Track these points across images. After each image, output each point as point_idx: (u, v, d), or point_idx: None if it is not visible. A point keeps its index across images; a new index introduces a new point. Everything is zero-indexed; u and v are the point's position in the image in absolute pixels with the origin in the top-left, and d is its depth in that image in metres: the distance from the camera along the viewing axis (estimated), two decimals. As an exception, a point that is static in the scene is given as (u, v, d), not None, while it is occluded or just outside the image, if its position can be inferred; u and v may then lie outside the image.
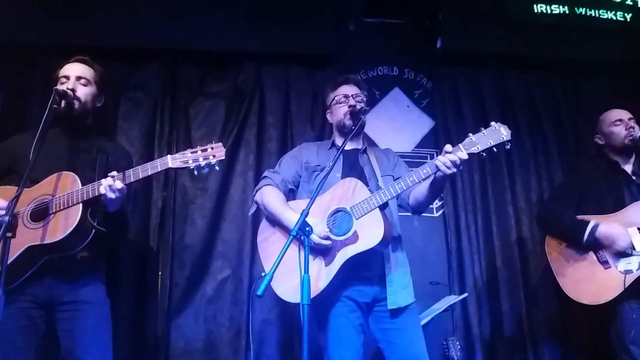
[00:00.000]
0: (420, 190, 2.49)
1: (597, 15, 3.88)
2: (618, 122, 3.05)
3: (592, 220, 2.80)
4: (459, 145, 2.27)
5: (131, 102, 3.57)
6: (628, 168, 3.03)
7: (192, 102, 3.69)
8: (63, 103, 2.36)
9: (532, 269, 3.61)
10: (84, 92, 2.48)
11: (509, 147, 2.28)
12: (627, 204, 2.85)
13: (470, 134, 2.28)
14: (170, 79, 3.67)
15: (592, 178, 3.02)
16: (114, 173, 2.24)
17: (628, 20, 3.90)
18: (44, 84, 3.13)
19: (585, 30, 3.89)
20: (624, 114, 3.08)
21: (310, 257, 2.28)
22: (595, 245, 2.78)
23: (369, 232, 2.31)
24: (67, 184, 2.28)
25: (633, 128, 3.00)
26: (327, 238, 2.33)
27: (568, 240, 2.89)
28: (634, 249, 2.72)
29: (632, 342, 2.63)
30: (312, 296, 1.96)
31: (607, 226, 2.76)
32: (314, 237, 2.28)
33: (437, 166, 2.25)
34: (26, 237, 2.21)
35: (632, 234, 2.75)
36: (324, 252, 2.35)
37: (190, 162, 2.23)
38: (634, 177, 2.99)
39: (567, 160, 3.81)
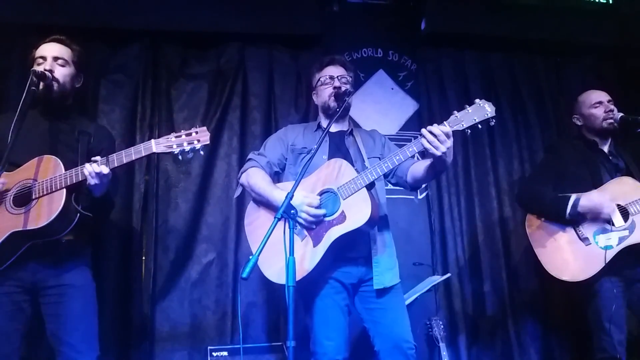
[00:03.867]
0: (419, 170, 2.47)
1: (580, -3, 3.90)
2: (597, 105, 3.07)
3: (573, 194, 2.83)
4: (444, 122, 2.26)
5: (112, 84, 3.49)
6: (605, 148, 3.07)
7: (174, 84, 3.62)
8: (41, 85, 2.30)
9: (513, 249, 3.66)
10: (62, 73, 2.41)
11: (493, 123, 2.29)
12: (605, 182, 2.90)
13: (455, 112, 2.28)
14: (151, 61, 3.59)
15: (570, 158, 3.05)
16: (97, 158, 2.20)
17: (610, 2, 3.93)
18: (22, 65, 3.05)
19: (568, 12, 3.90)
20: (604, 96, 3.10)
21: (298, 238, 2.30)
22: (579, 219, 2.81)
23: (357, 212, 2.31)
24: (50, 168, 2.24)
25: (612, 111, 3.03)
26: (319, 207, 2.33)
27: (550, 216, 2.92)
28: (613, 225, 2.77)
29: (610, 321, 2.68)
30: (300, 277, 1.97)
31: (588, 198, 2.79)
32: (307, 208, 2.29)
33: (421, 143, 2.23)
34: (9, 223, 2.17)
35: (613, 209, 2.79)
36: (312, 232, 2.35)
37: (175, 147, 2.20)
38: (610, 157, 3.03)
39: (549, 141, 3.85)
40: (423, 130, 2.22)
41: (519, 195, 3.22)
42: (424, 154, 2.29)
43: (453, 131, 2.23)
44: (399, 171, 2.54)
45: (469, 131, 2.28)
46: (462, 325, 3.47)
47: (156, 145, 2.21)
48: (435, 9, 3.82)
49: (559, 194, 2.90)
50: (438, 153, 2.20)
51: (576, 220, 2.82)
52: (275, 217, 1.94)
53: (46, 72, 2.32)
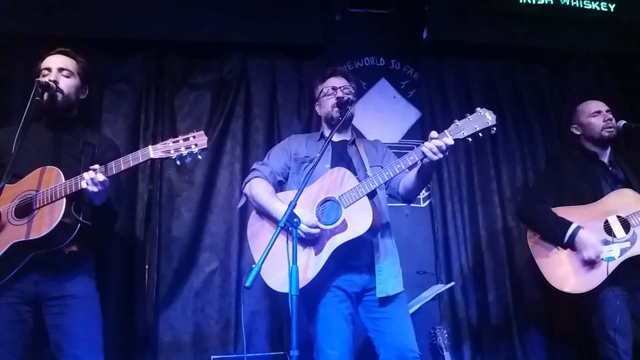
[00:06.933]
0: (409, 179, 2.50)
1: (581, 5, 3.91)
2: (596, 114, 3.07)
3: (575, 222, 2.81)
4: (445, 131, 2.28)
5: (115, 94, 3.52)
6: (604, 159, 3.06)
7: (177, 94, 3.65)
8: (46, 95, 2.31)
9: (517, 258, 3.65)
10: (66, 84, 2.43)
11: (494, 131, 2.30)
12: (605, 194, 2.89)
13: (456, 120, 2.30)
14: (154, 70, 3.63)
15: (570, 170, 3.04)
16: (96, 166, 2.21)
17: (612, 10, 3.93)
18: (26, 76, 3.07)
19: (569, 21, 3.92)
20: (602, 106, 3.10)
21: (300, 247, 2.29)
22: (573, 247, 2.80)
23: (358, 220, 2.32)
24: (51, 179, 2.25)
25: (611, 120, 3.03)
26: (316, 227, 2.34)
27: (548, 239, 2.92)
28: (614, 236, 2.76)
29: (616, 330, 2.67)
30: (301, 286, 1.96)
31: (587, 234, 2.77)
32: (303, 227, 2.28)
33: (423, 152, 2.26)
34: (11, 234, 2.17)
35: (612, 222, 2.79)
36: (313, 241, 2.35)
37: (172, 152, 2.20)
38: (610, 168, 3.02)
39: (552, 149, 3.85)
40: (424, 148, 2.25)
41: (519, 213, 3.20)
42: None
43: (454, 139, 2.25)
44: (392, 183, 2.57)
45: (470, 139, 2.29)
46: (466, 334, 3.45)
47: (154, 151, 2.22)
48: (437, 18, 3.84)
49: (560, 211, 2.89)
50: (435, 158, 2.24)
51: (572, 247, 2.81)
52: (278, 226, 1.94)
53: (50, 83, 2.33)
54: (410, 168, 2.40)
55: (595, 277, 2.72)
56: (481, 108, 2.32)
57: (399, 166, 2.35)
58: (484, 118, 2.29)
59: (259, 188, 2.56)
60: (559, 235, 2.83)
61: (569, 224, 2.81)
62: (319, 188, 2.46)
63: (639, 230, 2.75)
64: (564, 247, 2.83)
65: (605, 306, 2.73)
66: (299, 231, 2.23)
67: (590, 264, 2.74)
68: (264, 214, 2.52)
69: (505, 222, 3.73)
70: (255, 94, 3.69)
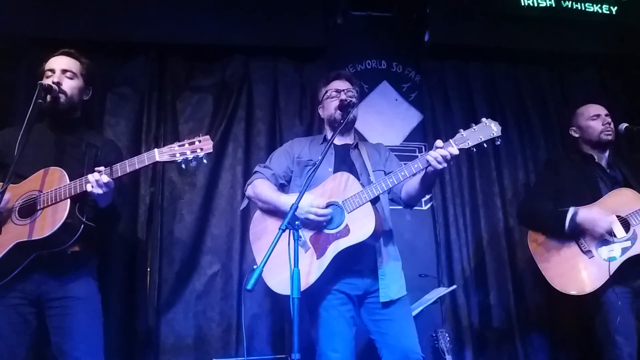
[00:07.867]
0: (412, 185, 2.52)
1: (583, 8, 3.91)
2: (595, 117, 3.07)
3: (571, 208, 2.82)
4: (450, 140, 2.30)
5: (118, 96, 3.53)
6: (602, 162, 3.06)
7: (180, 96, 3.65)
8: (48, 97, 2.32)
9: (519, 261, 3.63)
10: (69, 85, 2.44)
11: (498, 142, 2.32)
12: (604, 195, 2.89)
13: (461, 130, 2.31)
14: (157, 73, 3.63)
15: (568, 173, 3.04)
16: (101, 168, 2.22)
17: (614, 13, 3.93)
18: (30, 78, 3.08)
19: (571, 23, 3.92)
20: (602, 110, 3.10)
21: (302, 250, 2.30)
22: (578, 232, 2.80)
23: (361, 226, 2.32)
24: (55, 180, 2.26)
25: (609, 124, 3.03)
26: (328, 207, 2.36)
27: (550, 231, 2.91)
28: (614, 236, 2.75)
29: (618, 332, 2.66)
30: (303, 289, 1.97)
31: (586, 211, 2.78)
32: (314, 209, 2.32)
33: (428, 161, 2.28)
34: (14, 234, 2.18)
35: (612, 222, 2.77)
36: (316, 245, 2.35)
37: (178, 155, 2.21)
38: (608, 170, 3.02)
39: (553, 152, 3.84)
40: (429, 157, 2.26)
41: (518, 213, 3.22)
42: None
43: (458, 149, 2.26)
44: (394, 188, 2.57)
45: (474, 149, 2.31)
46: (468, 338, 3.44)
47: (159, 155, 2.23)
48: (438, 21, 3.85)
49: (558, 209, 2.89)
50: (439, 167, 2.26)
51: (576, 233, 2.81)
52: (279, 229, 1.94)
53: (53, 85, 2.34)
54: (413, 175, 2.41)
55: (597, 278, 2.71)
56: (486, 118, 2.34)
57: (403, 174, 2.36)
58: (489, 129, 2.30)
59: (262, 187, 2.58)
60: (560, 224, 2.81)
61: (567, 209, 2.81)
62: (322, 192, 2.47)
63: (639, 229, 2.74)
64: (568, 236, 2.81)
65: (609, 308, 2.71)
66: (311, 215, 2.29)
67: (605, 243, 2.72)
68: (270, 210, 2.52)
69: (507, 224, 3.71)
70: (257, 96, 3.69)
